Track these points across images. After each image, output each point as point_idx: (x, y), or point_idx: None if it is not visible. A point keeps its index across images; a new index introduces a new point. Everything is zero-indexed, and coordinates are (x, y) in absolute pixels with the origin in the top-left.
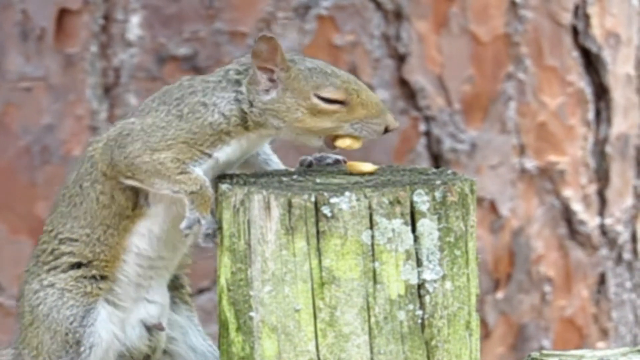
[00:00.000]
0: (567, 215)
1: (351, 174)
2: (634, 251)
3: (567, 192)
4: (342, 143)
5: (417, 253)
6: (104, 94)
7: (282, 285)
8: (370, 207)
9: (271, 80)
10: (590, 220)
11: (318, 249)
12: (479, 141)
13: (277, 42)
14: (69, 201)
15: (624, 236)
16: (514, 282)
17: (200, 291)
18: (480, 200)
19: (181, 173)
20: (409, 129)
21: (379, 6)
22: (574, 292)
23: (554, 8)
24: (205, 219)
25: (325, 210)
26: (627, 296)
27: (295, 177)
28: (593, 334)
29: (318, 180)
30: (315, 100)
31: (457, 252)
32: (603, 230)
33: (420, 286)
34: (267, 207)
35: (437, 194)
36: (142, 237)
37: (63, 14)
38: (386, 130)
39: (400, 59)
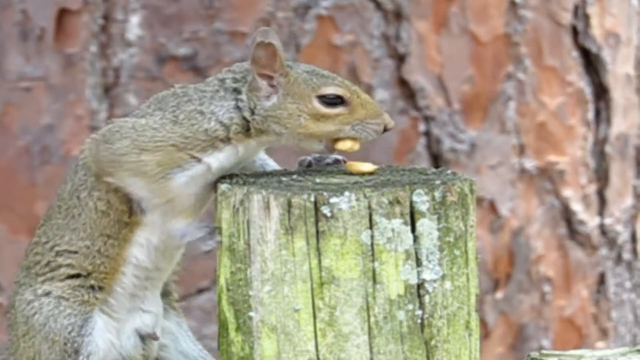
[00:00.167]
0: (567, 215)
1: (351, 173)
2: (634, 251)
3: (567, 192)
4: (342, 145)
5: (416, 253)
6: (104, 94)
7: (281, 285)
8: (369, 207)
9: (271, 85)
10: (589, 220)
11: (317, 249)
12: (479, 141)
13: (276, 47)
14: (66, 213)
15: (624, 236)
16: (513, 282)
17: (200, 291)
18: (479, 200)
19: (162, 179)
20: (408, 129)
21: (378, 6)
22: (573, 292)
23: (554, 8)
24: (191, 226)
25: (325, 210)
26: (627, 296)
27: (294, 177)
28: (592, 334)
29: (317, 180)
30: (317, 104)
31: (457, 252)
32: (603, 230)
33: (419, 286)
34: (267, 207)
35: (437, 194)
36: (141, 247)
37: (63, 14)
38: (385, 130)
39: (400, 59)
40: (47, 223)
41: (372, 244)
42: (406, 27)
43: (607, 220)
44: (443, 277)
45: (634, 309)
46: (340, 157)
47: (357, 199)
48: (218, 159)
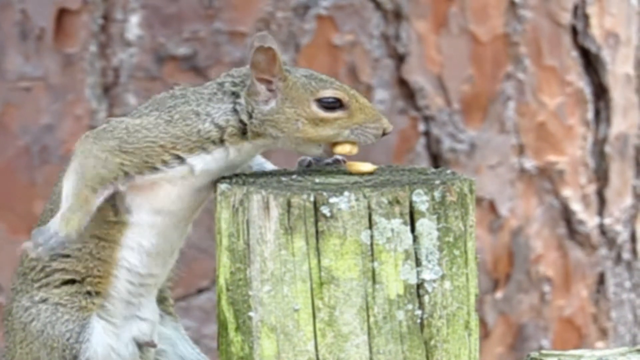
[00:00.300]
0: (566, 215)
1: (350, 173)
2: (633, 251)
3: (566, 192)
4: (341, 149)
5: (416, 253)
6: (103, 93)
7: (281, 285)
8: (369, 207)
9: (270, 90)
10: (589, 220)
11: (317, 249)
12: (478, 141)
13: (275, 52)
14: None
15: (623, 236)
16: (513, 282)
17: (200, 291)
18: (479, 200)
19: (97, 184)
20: (408, 129)
21: (378, 6)
22: (573, 291)
23: (553, 8)
24: (56, 233)
25: (325, 210)
26: (626, 296)
27: (294, 177)
28: (592, 334)
29: (317, 180)
30: (315, 108)
31: (456, 252)
32: (602, 230)
33: (419, 286)
34: (266, 207)
35: (436, 194)
36: (132, 251)
37: (62, 14)
38: (383, 134)
39: (400, 58)
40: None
41: (371, 244)
42: (406, 27)
43: (607, 220)
44: (442, 277)
45: (633, 308)
46: (339, 157)
47: (357, 199)
48: (204, 161)
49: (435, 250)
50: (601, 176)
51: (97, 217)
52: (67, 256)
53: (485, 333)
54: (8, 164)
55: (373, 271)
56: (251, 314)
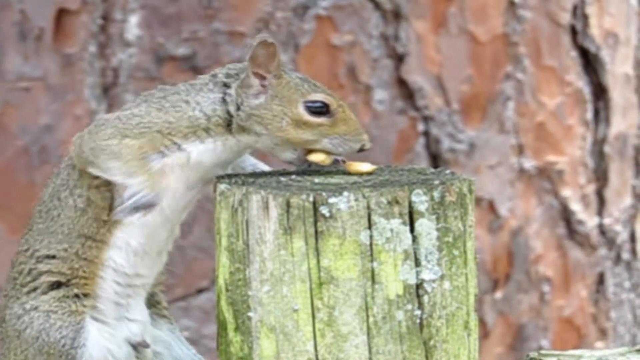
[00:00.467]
0: (566, 215)
1: (349, 174)
2: (633, 251)
3: (566, 192)
4: (315, 157)
5: (415, 253)
6: (103, 93)
7: (280, 285)
8: (368, 207)
9: (263, 85)
10: (588, 220)
11: (316, 249)
12: (478, 141)
13: (276, 49)
14: (45, 216)
15: (623, 236)
16: (512, 282)
17: (199, 291)
18: (478, 200)
19: (139, 159)
20: (407, 129)
21: (377, 6)
22: (572, 292)
23: (553, 8)
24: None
25: (324, 210)
26: (626, 296)
27: (293, 177)
28: (592, 334)
29: (316, 180)
30: (302, 110)
31: (456, 252)
32: (602, 230)
33: (418, 286)
34: (266, 207)
35: (436, 194)
36: (119, 250)
37: (62, 14)
38: (360, 149)
39: (399, 58)
40: (29, 231)
41: (370, 244)
42: (405, 27)
43: (606, 220)
44: (442, 277)
45: (633, 308)
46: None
47: (356, 199)
48: (198, 149)
49: (434, 251)
50: (600, 176)
51: (89, 216)
52: (53, 257)
53: (484, 333)
54: (7, 164)
55: (372, 271)
56: (250, 314)
